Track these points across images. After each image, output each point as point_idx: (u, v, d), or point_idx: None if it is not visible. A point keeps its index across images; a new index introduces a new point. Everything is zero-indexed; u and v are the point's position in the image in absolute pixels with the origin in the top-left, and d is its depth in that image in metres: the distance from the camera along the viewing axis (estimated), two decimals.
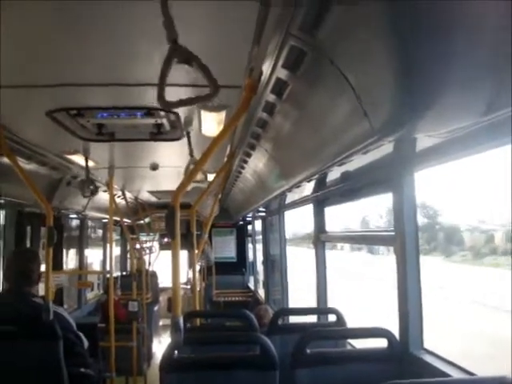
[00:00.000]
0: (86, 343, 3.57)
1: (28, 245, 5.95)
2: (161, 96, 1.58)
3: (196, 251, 5.37)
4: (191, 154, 3.73)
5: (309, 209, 4.79)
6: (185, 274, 10.58)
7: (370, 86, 1.89)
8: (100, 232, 10.01)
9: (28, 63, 2.27)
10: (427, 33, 1.41)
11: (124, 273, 10.98)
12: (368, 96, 1.91)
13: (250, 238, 11.10)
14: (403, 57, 1.61)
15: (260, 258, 8.95)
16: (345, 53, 1.85)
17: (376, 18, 1.53)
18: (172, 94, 1.68)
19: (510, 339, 4.67)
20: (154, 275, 9.85)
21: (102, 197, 6.82)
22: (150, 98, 2.05)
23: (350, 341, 3.60)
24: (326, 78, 2.08)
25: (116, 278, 7.90)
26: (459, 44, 1.33)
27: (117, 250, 11.49)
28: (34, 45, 2.08)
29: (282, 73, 2.30)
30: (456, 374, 2.38)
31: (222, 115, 3.06)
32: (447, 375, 2.38)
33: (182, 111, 3.11)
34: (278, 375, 2.68)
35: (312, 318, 4.34)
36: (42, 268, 3.83)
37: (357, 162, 2.91)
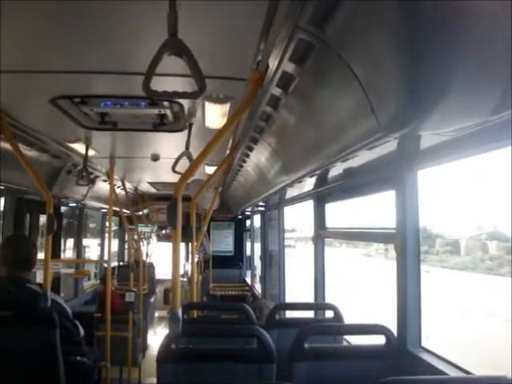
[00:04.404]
0: (82, 332, 3.56)
1: (27, 232, 5.94)
2: (146, 84, 1.64)
3: (194, 244, 5.37)
4: (187, 146, 3.72)
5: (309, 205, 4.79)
6: (182, 266, 10.59)
7: (378, 81, 1.88)
8: (99, 222, 10.00)
9: (33, 49, 2.26)
10: (436, 30, 1.40)
11: (121, 263, 10.98)
12: (376, 92, 1.90)
13: (248, 233, 11.10)
14: (412, 54, 1.60)
15: (257, 252, 8.95)
16: (353, 48, 1.84)
17: (385, 13, 1.53)
18: (178, 84, 1.69)
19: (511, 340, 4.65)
20: (151, 266, 9.87)
21: (102, 186, 6.82)
22: (154, 87, 2.04)
23: (346, 337, 3.61)
24: (334, 72, 2.07)
25: (113, 268, 7.90)
26: (469, 42, 1.32)
27: (115, 241, 11.49)
28: (40, 30, 2.07)
29: (288, 66, 2.29)
30: (453, 373, 2.39)
31: (226, 107, 3.05)
32: (444, 373, 2.38)
33: (186, 102, 3.10)
34: (275, 368, 2.68)
35: (308, 314, 4.35)
36: (40, 256, 3.82)
37: (360, 159, 2.91)
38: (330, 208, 4.54)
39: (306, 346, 2.67)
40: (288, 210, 6.44)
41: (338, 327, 3.32)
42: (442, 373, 2.39)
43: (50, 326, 3.13)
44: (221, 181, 5.70)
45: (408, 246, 2.72)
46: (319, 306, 4.40)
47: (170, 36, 1.60)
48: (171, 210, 2.44)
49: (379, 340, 2.77)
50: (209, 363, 2.69)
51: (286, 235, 6.81)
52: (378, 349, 2.76)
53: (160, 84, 1.74)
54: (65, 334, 3.28)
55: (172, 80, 2.44)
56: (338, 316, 3.55)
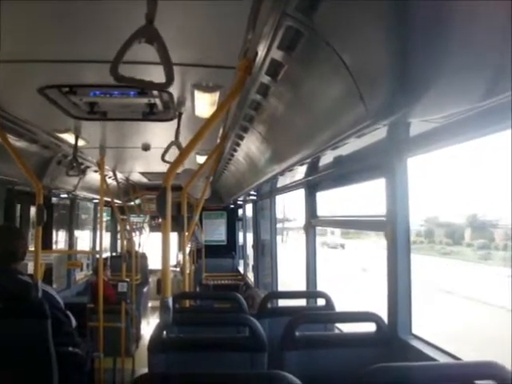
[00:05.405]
0: (74, 322, 3.56)
1: (17, 223, 5.92)
2: (114, 68, 1.63)
3: (186, 233, 5.37)
4: (176, 136, 3.71)
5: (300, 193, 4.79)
6: (174, 256, 10.58)
7: (367, 68, 1.87)
8: (91, 212, 9.96)
9: (19, 37, 2.23)
10: (425, 16, 1.39)
11: (114, 254, 10.97)
12: (364, 79, 1.89)
13: (240, 222, 11.11)
14: (400, 40, 1.59)
15: (250, 241, 8.95)
16: (341, 34, 1.83)
17: (374, 0, 1.51)
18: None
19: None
20: (143, 257, 9.86)
21: (93, 177, 6.79)
22: (144, 76, 2.03)
23: (338, 325, 3.62)
24: (322, 59, 2.05)
25: (106, 259, 7.89)
26: (457, 28, 1.32)
27: (107, 232, 11.46)
28: (27, 19, 2.05)
29: (277, 54, 2.27)
30: (443, 359, 2.40)
31: (216, 96, 3.04)
32: (434, 360, 2.39)
33: (175, 91, 3.08)
34: (267, 357, 2.69)
35: (301, 302, 4.36)
36: (31, 247, 3.80)
37: (350, 147, 2.90)
38: (322, 196, 4.55)
39: (297, 334, 2.68)
40: (280, 200, 6.45)
41: (329, 315, 3.33)
42: (432, 359, 2.41)
43: (42, 317, 3.12)
44: (212, 170, 5.69)
45: (398, 234, 2.72)
46: (310, 294, 4.41)
47: (146, 23, 1.60)
48: (160, 199, 2.43)
49: (371, 327, 2.79)
50: (200, 352, 2.70)
51: (286, 225, 6.82)
52: (369, 336, 2.77)
53: (142, 72, 1.73)
54: (56, 324, 3.27)
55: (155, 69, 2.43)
56: (329, 304, 3.56)
